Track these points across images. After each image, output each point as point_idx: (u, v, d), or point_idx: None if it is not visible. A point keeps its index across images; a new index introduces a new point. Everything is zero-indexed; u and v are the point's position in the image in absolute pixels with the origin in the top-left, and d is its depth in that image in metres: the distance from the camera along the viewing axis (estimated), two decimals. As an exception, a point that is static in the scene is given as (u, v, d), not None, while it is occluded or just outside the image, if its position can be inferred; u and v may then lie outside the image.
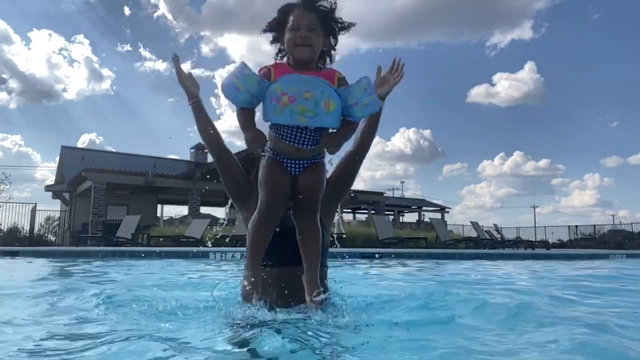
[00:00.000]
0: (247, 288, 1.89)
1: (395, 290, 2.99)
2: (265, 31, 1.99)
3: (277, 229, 1.97)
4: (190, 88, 2.36)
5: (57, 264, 7.01)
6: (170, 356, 1.44)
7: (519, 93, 47.89)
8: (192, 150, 29.54)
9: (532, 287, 4.08)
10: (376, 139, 2.38)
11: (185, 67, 2.41)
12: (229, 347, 1.57)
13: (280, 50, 1.97)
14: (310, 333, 1.65)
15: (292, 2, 1.93)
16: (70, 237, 21.05)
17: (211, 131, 2.33)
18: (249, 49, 46.64)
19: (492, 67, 47.73)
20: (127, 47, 45.27)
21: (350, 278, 4.20)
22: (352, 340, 1.63)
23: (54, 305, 2.50)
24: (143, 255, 8.88)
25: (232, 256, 7.91)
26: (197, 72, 45.41)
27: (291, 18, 1.89)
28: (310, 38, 1.86)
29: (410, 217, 33.38)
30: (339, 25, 1.97)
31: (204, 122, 2.35)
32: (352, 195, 21.57)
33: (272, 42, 1.99)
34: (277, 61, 1.96)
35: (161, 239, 14.95)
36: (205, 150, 29.17)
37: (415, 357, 1.48)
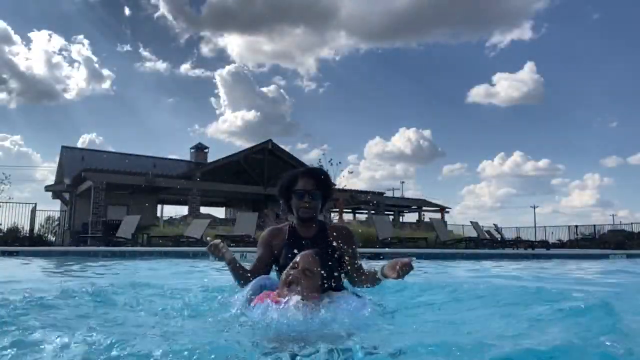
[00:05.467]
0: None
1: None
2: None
3: None
4: (228, 257, 2.39)
5: (56, 264, 7.00)
6: (170, 356, 1.44)
7: (518, 93, 47.75)
8: (192, 150, 29.55)
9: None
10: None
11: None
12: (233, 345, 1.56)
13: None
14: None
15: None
16: (70, 237, 21.04)
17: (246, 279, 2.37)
18: (249, 49, 46.67)
19: (491, 67, 47.59)
20: (127, 47, 45.12)
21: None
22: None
23: (52, 306, 2.49)
24: (143, 255, 8.86)
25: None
26: (197, 72, 45.53)
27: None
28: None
29: (410, 217, 33.37)
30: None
31: (242, 277, 2.38)
32: (351, 195, 21.60)
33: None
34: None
35: (161, 240, 14.94)
36: (206, 151, 29.32)
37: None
